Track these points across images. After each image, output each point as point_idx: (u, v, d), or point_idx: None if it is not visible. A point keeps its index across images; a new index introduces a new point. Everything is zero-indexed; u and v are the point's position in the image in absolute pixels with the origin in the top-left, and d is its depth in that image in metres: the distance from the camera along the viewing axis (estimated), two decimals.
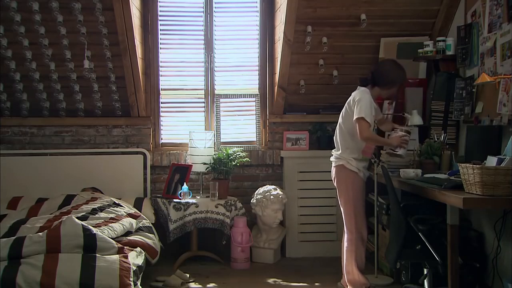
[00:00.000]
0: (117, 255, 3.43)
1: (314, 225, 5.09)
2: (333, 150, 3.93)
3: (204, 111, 5.31)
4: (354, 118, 3.66)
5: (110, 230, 3.77)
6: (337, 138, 3.87)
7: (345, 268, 3.83)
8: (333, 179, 3.93)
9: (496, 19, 3.75)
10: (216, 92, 5.30)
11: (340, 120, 3.87)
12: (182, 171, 4.93)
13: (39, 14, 4.49)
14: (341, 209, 3.88)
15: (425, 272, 3.59)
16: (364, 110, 3.63)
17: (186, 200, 4.70)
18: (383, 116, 4.17)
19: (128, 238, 3.90)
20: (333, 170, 3.90)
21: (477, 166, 2.99)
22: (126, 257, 3.45)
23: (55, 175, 4.93)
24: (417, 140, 4.46)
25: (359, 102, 3.67)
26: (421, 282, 3.64)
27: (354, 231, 3.78)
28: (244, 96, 5.34)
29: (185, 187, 4.77)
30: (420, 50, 4.51)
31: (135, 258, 3.60)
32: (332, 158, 3.92)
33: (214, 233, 4.94)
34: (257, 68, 5.33)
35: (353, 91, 3.86)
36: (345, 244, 3.84)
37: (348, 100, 3.82)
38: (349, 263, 3.79)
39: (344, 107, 3.84)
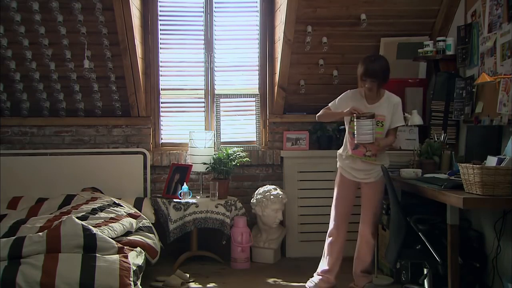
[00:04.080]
0: (117, 255, 3.43)
1: (314, 225, 5.08)
2: None
3: (204, 111, 5.31)
4: None
5: (110, 230, 3.77)
6: None
7: None
8: None
9: (496, 19, 3.75)
10: (216, 92, 5.30)
11: None
12: (182, 171, 4.93)
13: (39, 14, 4.48)
14: None
15: (425, 272, 3.59)
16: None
17: (186, 200, 4.70)
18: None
19: (128, 238, 3.90)
20: None
21: (477, 166, 2.99)
22: (126, 257, 3.45)
23: (55, 175, 4.93)
24: (417, 140, 4.46)
25: None
26: (421, 282, 3.64)
27: (329, 226, 4.04)
28: (244, 96, 5.34)
29: (185, 187, 4.77)
30: (420, 50, 4.51)
31: (135, 258, 3.60)
32: None
33: (214, 233, 4.94)
34: (257, 68, 5.33)
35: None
36: None
37: None
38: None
39: None
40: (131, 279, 3.30)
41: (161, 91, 5.27)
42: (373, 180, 3.86)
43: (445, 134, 4.28)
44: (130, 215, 4.24)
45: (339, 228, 3.97)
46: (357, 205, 4.02)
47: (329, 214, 5.05)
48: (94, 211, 4.09)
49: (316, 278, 4.05)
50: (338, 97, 3.94)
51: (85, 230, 3.45)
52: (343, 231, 3.98)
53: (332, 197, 4.99)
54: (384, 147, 3.86)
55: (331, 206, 5.04)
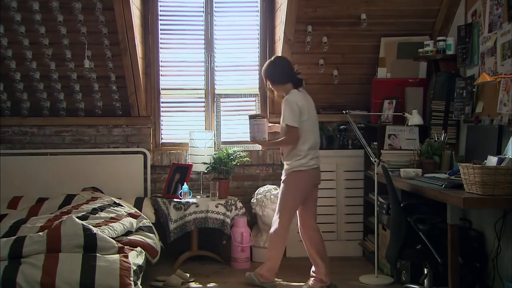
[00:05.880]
0: (118, 255, 3.43)
1: None
2: (316, 152, 4.18)
3: (204, 111, 5.31)
4: None
5: (111, 229, 3.77)
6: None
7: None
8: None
9: (496, 18, 3.75)
10: (216, 92, 5.30)
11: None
12: (182, 171, 4.93)
13: (39, 13, 4.48)
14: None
15: (425, 272, 3.59)
16: None
17: (186, 200, 4.70)
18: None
19: (129, 237, 3.90)
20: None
21: (478, 166, 2.99)
22: (127, 256, 3.44)
23: (55, 175, 4.93)
24: (417, 140, 4.46)
25: None
26: (421, 282, 3.64)
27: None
28: (244, 96, 5.34)
29: (185, 186, 4.77)
30: (420, 50, 4.51)
31: (136, 258, 3.60)
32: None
33: (214, 233, 4.94)
34: (257, 68, 5.33)
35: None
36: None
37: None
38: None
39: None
40: (132, 279, 3.30)
41: (161, 91, 5.27)
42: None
43: (445, 134, 4.28)
44: (130, 214, 4.24)
45: (300, 229, 4.22)
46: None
47: (330, 214, 5.13)
48: (94, 210, 4.09)
49: (310, 280, 4.11)
50: None
51: (86, 229, 3.45)
52: (303, 231, 4.21)
53: (332, 197, 5.08)
54: (273, 145, 4.18)
55: (331, 206, 5.11)
